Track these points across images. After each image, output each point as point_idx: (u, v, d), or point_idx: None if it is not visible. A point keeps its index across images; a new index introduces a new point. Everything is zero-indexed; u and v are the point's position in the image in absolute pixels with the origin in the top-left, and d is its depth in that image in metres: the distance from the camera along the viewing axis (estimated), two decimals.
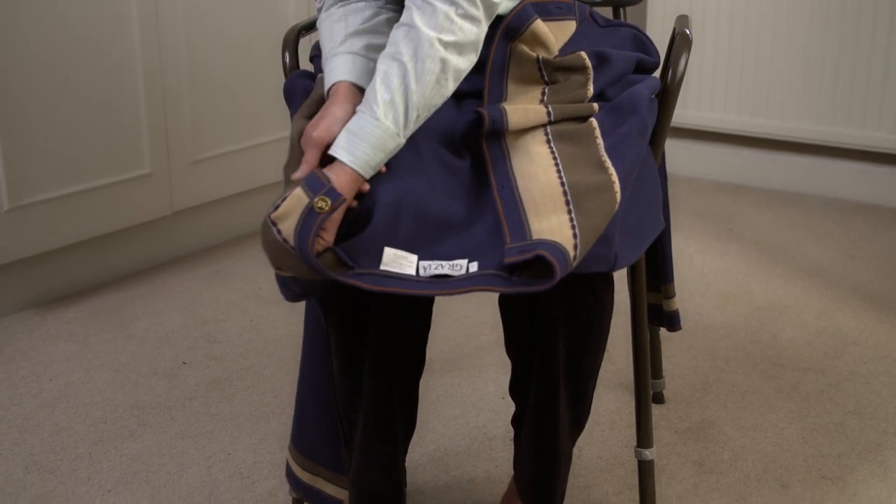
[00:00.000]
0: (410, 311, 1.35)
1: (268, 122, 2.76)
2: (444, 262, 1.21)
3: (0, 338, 2.22)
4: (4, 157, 2.22)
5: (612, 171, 1.27)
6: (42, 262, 2.38)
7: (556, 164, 1.27)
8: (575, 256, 1.18)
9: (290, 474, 1.53)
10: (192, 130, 2.58)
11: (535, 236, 1.19)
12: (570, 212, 1.21)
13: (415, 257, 1.21)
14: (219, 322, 2.30)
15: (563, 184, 1.24)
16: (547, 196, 1.23)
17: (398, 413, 1.39)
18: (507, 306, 1.39)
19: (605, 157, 1.28)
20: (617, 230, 1.25)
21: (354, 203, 1.23)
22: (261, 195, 2.82)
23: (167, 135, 2.52)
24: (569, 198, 1.23)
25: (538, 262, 1.18)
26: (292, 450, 1.52)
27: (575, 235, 1.19)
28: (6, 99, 2.21)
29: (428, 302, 1.39)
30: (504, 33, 1.36)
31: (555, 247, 1.17)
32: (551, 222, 1.20)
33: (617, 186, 1.25)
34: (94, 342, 2.21)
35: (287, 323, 2.29)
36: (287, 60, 1.53)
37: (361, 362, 1.35)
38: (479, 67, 1.34)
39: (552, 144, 1.30)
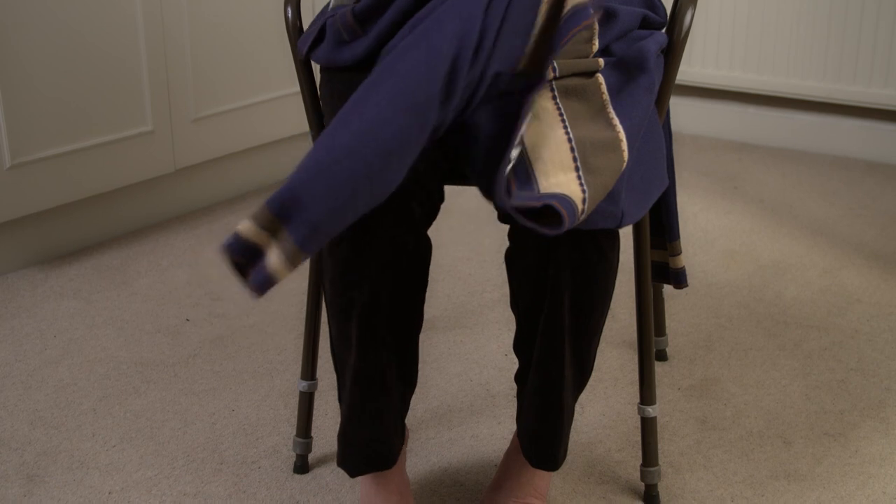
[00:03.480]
0: (400, 270, 1.34)
1: (271, 79, 2.75)
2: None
3: (3, 295, 2.23)
4: (6, 114, 2.21)
5: (620, 128, 1.26)
6: (44, 220, 2.38)
7: (563, 120, 1.27)
8: (583, 210, 1.18)
9: (233, 241, 1.16)
10: (195, 87, 2.56)
11: (542, 192, 1.19)
12: (577, 168, 1.21)
13: None
14: (222, 280, 2.30)
15: (569, 140, 1.24)
16: (554, 153, 1.23)
17: (391, 370, 1.38)
18: (513, 263, 1.39)
19: (613, 114, 1.28)
20: (624, 187, 1.25)
21: None
22: (264, 152, 2.81)
23: (169, 92, 2.51)
24: (576, 154, 1.22)
25: (546, 213, 1.18)
26: (262, 210, 1.16)
27: (584, 191, 1.19)
28: (7, 56, 2.19)
29: (423, 259, 1.38)
30: None
31: (563, 198, 1.17)
32: (559, 179, 1.20)
33: (624, 144, 1.25)
34: (97, 299, 2.21)
35: (290, 280, 2.29)
36: (289, 16, 1.52)
37: (352, 319, 1.35)
38: None
39: (558, 100, 1.29)
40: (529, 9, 1.21)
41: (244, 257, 1.13)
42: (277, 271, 1.12)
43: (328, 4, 1.47)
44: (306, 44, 1.42)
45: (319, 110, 1.52)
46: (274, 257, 1.13)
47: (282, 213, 1.12)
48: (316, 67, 1.54)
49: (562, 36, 1.22)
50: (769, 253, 2.42)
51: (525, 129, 1.22)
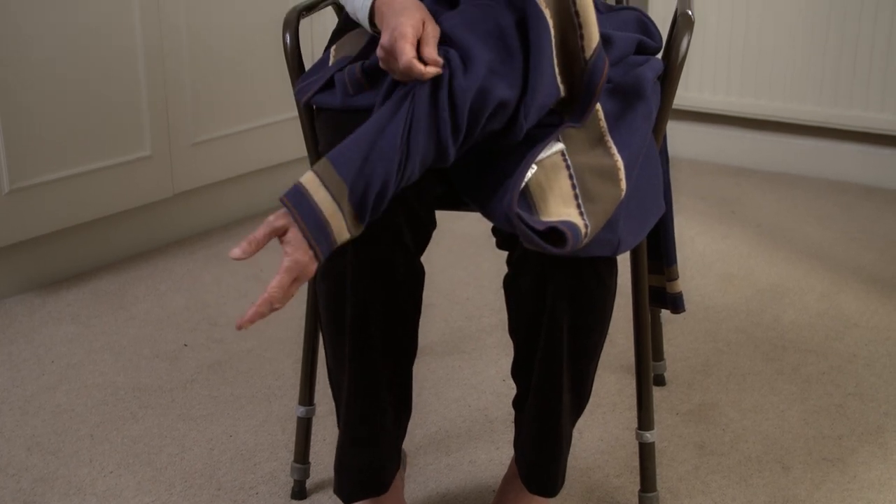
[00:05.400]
0: (392, 296, 1.34)
1: (269, 104, 2.76)
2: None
3: (1, 320, 2.23)
4: (5, 139, 2.22)
5: (618, 157, 1.27)
6: (43, 244, 2.38)
7: (562, 150, 1.27)
8: (586, 234, 1.19)
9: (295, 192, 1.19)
10: (193, 112, 2.57)
11: (543, 219, 1.20)
12: (576, 197, 1.22)
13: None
14: (220, 304, 2.30)
15: (568, 167, 1.25)
16: (553, 182, 1.24)
17: (384, 395, 1.38)
18: (512, 289, 1.39)
19: (611, 143, 1.29)
20: (621, 215, 1.25)
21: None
22: (262, 177, 2.82)
23: (168, 117, 2.52)
24: (574, 181, 1.23)
25: (549, 235, 1.20)
26: (325, 165, 1.20)
27: (586, 225, 1.20)
28: (7, 81, 2.20)
29: (416, 286, 1.38)
30: None
31: (566, 222, 1.18)
32: (560, 211, 1.21)
33: (622, 174, 1.25)
34: (95, 324, 2.21)
35: (288, 305, 2.29)
36: (288, 41, 1.52)
37: (344, 343, 1.35)
38: None
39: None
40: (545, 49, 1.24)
41: (299, 205, 1.17)
42: (339, 231, 1.17)
43: (326, 55, 1.48)
44: (307, 92, 1.42)
45: (317, 140, 1.52)
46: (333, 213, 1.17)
47: (342, 169, 1.17)
48: None
49: (595, 84, 1.25)
50: (767, 277, 2.42)
51: (543, 153, 1.24)
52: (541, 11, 1.23)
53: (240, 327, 1.14)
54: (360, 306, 1.32)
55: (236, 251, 1.15)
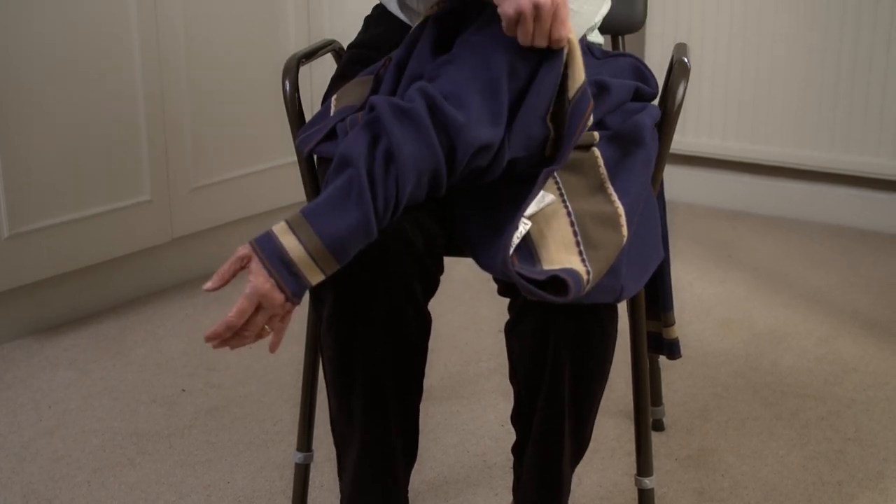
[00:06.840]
0: (402, 345, 1.34)
1: (268, 149, 2.77)
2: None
3: None
4: (5, 183, 2.23)
5: (619, 204, 1.28)
6: (41, 289, 2.38)
7: (561, 195, 1.28)
8: (588, 281, 1.19)
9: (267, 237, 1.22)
10: (193, 157, 2.58)
11: (545, 267, 1.21)
12: (578, 244, 1.23)
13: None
14: (218, 350, 2.29)
15: (569, 214, 1.25)
16: (554, 229, 1.24)
17: (396, 443, 1.38)
18: (513, 336, 1.39)
19: (611, 189, 1.29)
20: (624, 261, 1.26)
21: None
22: (261, 221, 2.83)
23: (167, 161, 2.53)
24: (576, 228, 1.24)
25: (551, 282, 1.20)
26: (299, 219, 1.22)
27: (588, 271, 1.20)
28: (6, 125, 2.21)
29: (424, 332, 1.38)
30: None
31: (567, 270, 1.18)
32: (561, 258, 1.22)
33: (623, 220, 1.26)
34: (93, 369, 2.20)
35: (287, 350, 2.29)
36: (287, 88, 1.54)
37: (353, 396, 1.34)
38: None
39: (556, 176, 1.31)
40: (541, 93, 1.25)
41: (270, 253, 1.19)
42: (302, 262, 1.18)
43: (327, 106, 1.49)
44: (309, 143, 1.43)
45: (318, 189, 1.53)
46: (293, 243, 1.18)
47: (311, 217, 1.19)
48: None
49: (575, 124, 1.26)
50: (764, 321, 2.43)
51: (533, 207, 1.25)
52: (560, 60, 1.25)
53: (206, 341, 1.21)
54: (371, 365, 1.32)
55: (208, 284, 1.22)
